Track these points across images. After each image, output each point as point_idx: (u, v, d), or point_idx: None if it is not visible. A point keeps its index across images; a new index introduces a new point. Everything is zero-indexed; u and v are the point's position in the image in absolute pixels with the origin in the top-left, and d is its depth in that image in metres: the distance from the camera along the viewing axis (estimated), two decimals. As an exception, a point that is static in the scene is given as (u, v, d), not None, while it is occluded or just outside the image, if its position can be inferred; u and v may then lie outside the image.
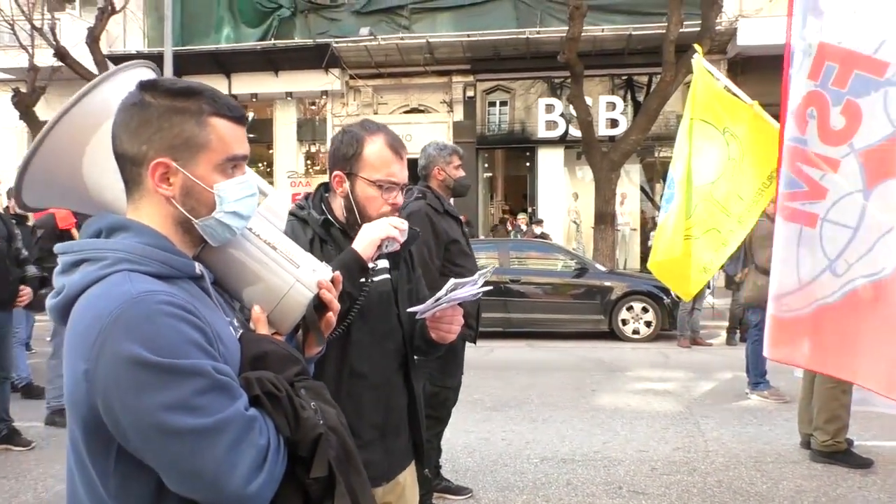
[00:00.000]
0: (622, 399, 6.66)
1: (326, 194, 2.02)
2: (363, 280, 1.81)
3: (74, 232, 5.60)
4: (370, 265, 1.82)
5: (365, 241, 1.81)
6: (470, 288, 1.78)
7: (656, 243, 4.58)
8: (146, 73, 1.33)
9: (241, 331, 1.24)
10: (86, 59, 14.95)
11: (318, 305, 1.32)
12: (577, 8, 12.16)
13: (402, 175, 1.92)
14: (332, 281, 1.34)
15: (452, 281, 1.78)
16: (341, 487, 1.10)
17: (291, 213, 1.95)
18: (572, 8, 12.23)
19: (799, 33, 2.75)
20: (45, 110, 15.95)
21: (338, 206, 1.97)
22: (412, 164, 2.65)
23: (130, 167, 1.16)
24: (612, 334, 10.18)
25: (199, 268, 1.19)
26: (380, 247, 1.81)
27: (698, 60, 4.40)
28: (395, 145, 1.93)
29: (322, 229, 1.93)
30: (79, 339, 1.04)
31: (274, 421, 1.08)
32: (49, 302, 1.16)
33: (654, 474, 4.61)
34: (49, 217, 5.53)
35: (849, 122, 2.68)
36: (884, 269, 2.57)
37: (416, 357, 2.06)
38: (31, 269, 5.14)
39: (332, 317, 1.35)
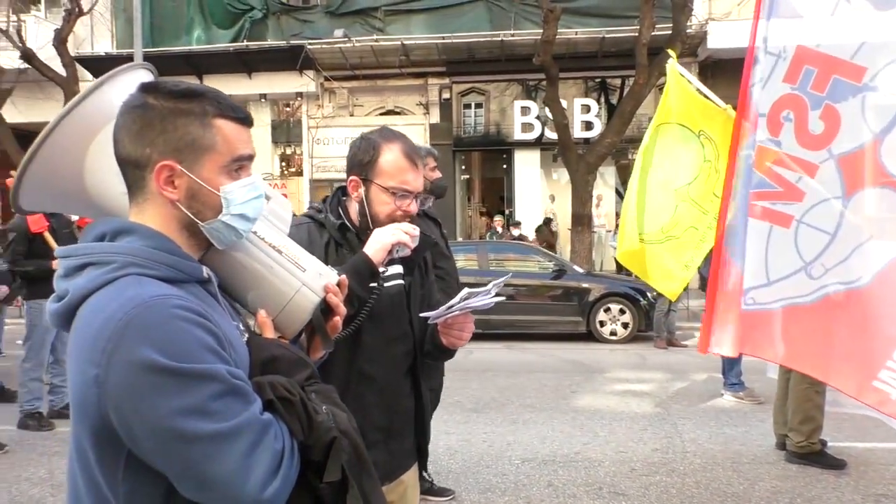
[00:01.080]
0: (601, 400, 6.71)
1: (343, 198, 2.03)
2: (373, 284, 1.82)
3: (47, 235, 5.50)
4: (381, 269, 1.83)
5: (376, 246, 1.83)
6: (483, 298, 1.79)
7: (620, 235, 4.81)
8: (146, 76, 1.32)
9: (246, 335, 1.23)
10: (53, 61, 14.70)
11: (325, 309, 1.31)
12: (551, 11, 12.25)
13: (416, 183, 1.94)
14: (339, 284, 1.34)
15: (466, 290, 1.80)
16: (354, 491, 1.10)
17: (308, 216, 1.96)
18: (546, 11, 12.32)
19: (763, 35, 2.78)
20: (11, 113, 15.65)
21: (353, 210, 1.99)
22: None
23: (134, 170, 1.14)
24: (590, 336, 10.26)
25: (206, 271, 1.18)
26: (390, 252, 1.83)
27: (672, 65, 4.51)
28: (412, 154, 1.95)
29: (338, 233, 1.94)
30: (87, 344, 1.02)
31: (288, 425, 1.08)
32: (50, 306, 1.13)
33: (634, 475, 4.66)
34: (21, 220, 5.42)
35: (828, 126, 2.72)
36: (860, 279, 2.62)
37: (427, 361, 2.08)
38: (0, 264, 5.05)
39: (338, 321, 1.34)
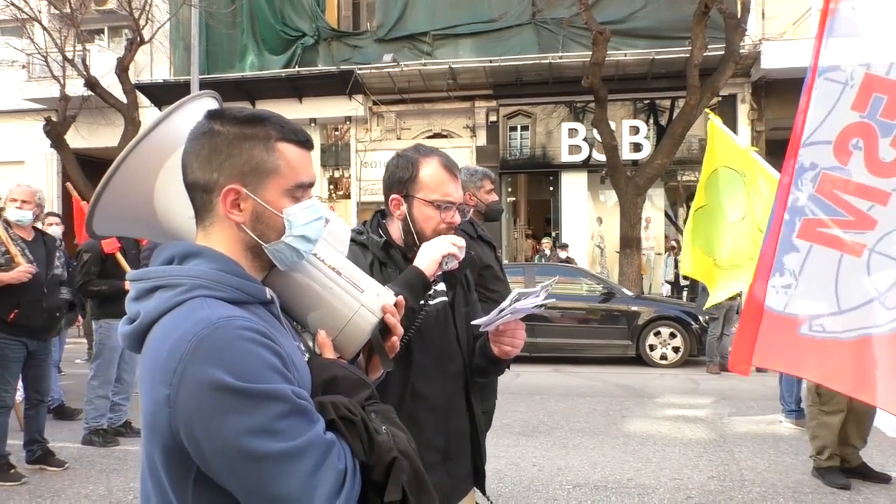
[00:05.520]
0: (653, 426, 6.57)
1: (383, 220, 2.05)
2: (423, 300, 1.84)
3: (119, 256, 5.69)
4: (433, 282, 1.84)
5: (427, 260, 1.85)
6: (534, 299, 1.77)
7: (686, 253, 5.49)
8: (211, 103, 1.36)
9: (307, 355, 1.25)
10: (114, 87, 15.29)
11: (382, 329, 1.33)
12: (601, 33, 12.23)
13: (457, 194, 1.96)
14: (396, 305, 1.35)
15: (517, 291, 1.79)
16: (415, 511, 1.09)
17: (350, 239, 1.98)
18: (596, 33, 12.30)
19: (827, 61, 2.72)
20: (75, 138, 16.29)
21: (395, 229, 2.00)
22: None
23: (202, 194, 1.18)
24: (640, 360, 10.08)
25: (269, 293, 1.20)
26: (440, 264, 1.84)
27: (711, 120, 5.23)
28: (450, 166, 1.97)
29: (382, 252, 1.96)
30: (159, 365, 1.04)
31: (349, 445, 1.09)
32: (122, 328, 1.17)
33: (690, 503, 4.53)
34: (94, 242, 5.62)
35: None
36: None
37: (477, 380, 2.06)
38: (63, 293, 5.21)
39: (396, 341, 1.35)
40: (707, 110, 5.68)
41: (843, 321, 2.68)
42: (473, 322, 1.92)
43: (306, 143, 1.24)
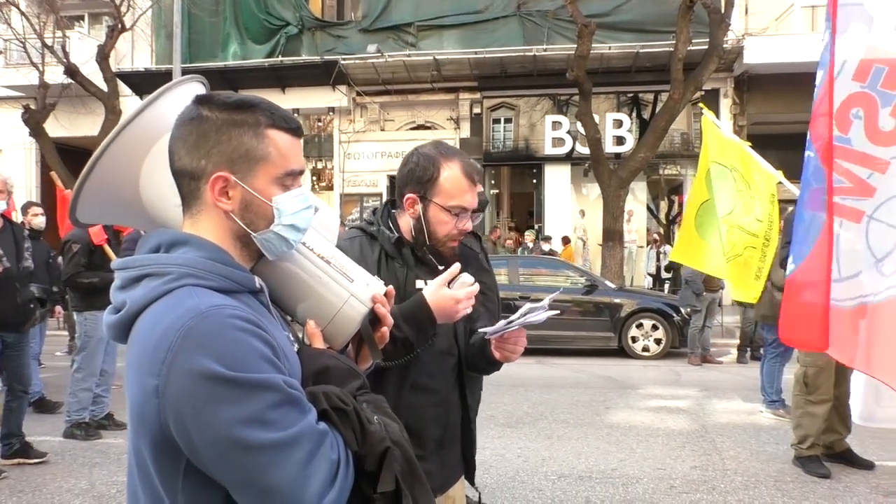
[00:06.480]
0: (636, 416, 6.62)
1: (393, 210, 2.02)
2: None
3: (107, 248, 5.62)
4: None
5: (440, 312, 1.77)
6: (541, 313, 1.77)
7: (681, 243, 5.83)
8: (198, 88, 1.34)
9: (296, 345, 1.24)
10: (95, 75, 15.07)
11: (372, 319, 1.31)
12: (586, 26, 12.23)
13: (474, 202, 1.94)
14: (386, 295, 1.33)
15: (528, 305, 1.78)
16: (408, 501, 1.09)
17: (360, 229, 1.95)
18: (581, 26, 12.30)
19: (843, 41, 2.72)
20: (54, 127, 16.05)
21: (405, 223, 1.98)
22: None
23: (189, 182, 1.15)
24: (622, 351, 10.14)
25: (258, 282, 1.18)
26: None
27: (705, 115, 5.39)
28: (471, 173, 1.94)
29: (393, 247, 1.94)
30: (147, 355, 1.02)
31: (342, 435, 1.08)
32: (107, 318, 1.14)
33: (674, 492, 4.57)
34: (83, 233, 5.54)
35: None
36: None
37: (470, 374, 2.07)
38: (32, 289, 5.09)
39: (385, 331, 1.34)
40: (701, 105, 5.86)
41: (844, 289, 2.70)
42: (480, 330, 1.91)
43: (296, 131, 1.21)
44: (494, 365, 1.97)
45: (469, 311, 1.81)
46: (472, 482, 2.13)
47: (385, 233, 1.95)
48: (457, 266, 1.81)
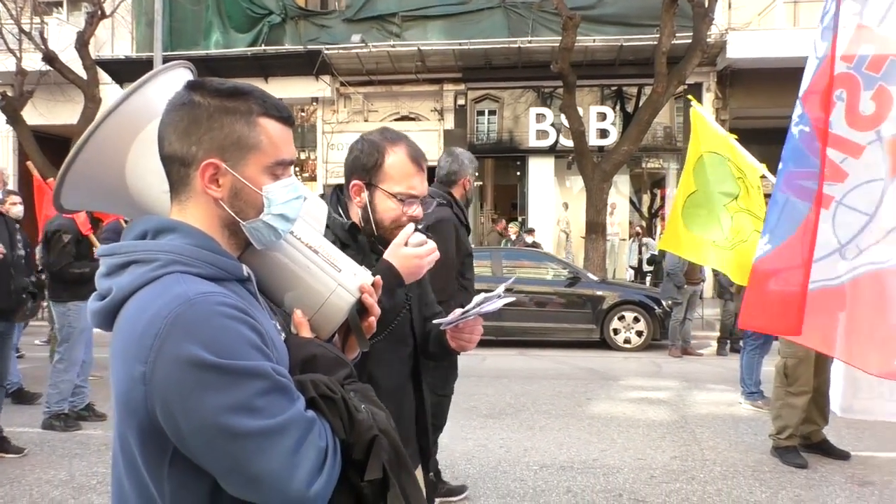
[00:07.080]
0: (617, 407, 6.68)
1: (342, 195, 1.98)
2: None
3: (93, 237, 5.56)
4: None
5: (403, 263, 1.79)
6: (496, 301, 1.77)
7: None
8: (186, 74, 1.32)
9: (284, 334, 1.24)
10: (74, 63, 14.84)
11: (359, 309, 1.32)
12: (571, 18, 12.24)
13: (422, 188, 1.90)
14: (373, 285, 1.34)
15: (482, 295, 1.78)
16: (395, 489, 1.09)
17: None
18: (565, 18, 12.31)
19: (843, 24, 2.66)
20: (32, 115, 15.80)
21: (354, 212, 1.94)
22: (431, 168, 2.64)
23: (179, 168, 1.14)
24: (604, 343, 10.22)
25: (246, 270, 1.18)
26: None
27: (693, 107, 5.37)
28: (417, 157, 1.90)
29: (346, 234, 1.89)
30: (133, 342, 1.01)
31: (330, 423, 1.08)
32: (92, 305, 1.13)
33: (654, 482, 4.63)
34: (70, 222, 5.46)
35: (878, 108, 2.62)
36: (889, 260, 2.59)
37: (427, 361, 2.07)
38: (26, 280, 5.06)
39: (373, 321, 1.34)
40: (690, 97, 5.82)
41: (804, 274, 2.69)
42: (435, 321, 1.90)
43: (288, 120, 1.21)
44: (448, 353, 1.97)
45: (433, 265, 1.82)
46: (427, 471, 2.10)
47: (337, 219, 1.90)
48: (411, 226, 1.82)
